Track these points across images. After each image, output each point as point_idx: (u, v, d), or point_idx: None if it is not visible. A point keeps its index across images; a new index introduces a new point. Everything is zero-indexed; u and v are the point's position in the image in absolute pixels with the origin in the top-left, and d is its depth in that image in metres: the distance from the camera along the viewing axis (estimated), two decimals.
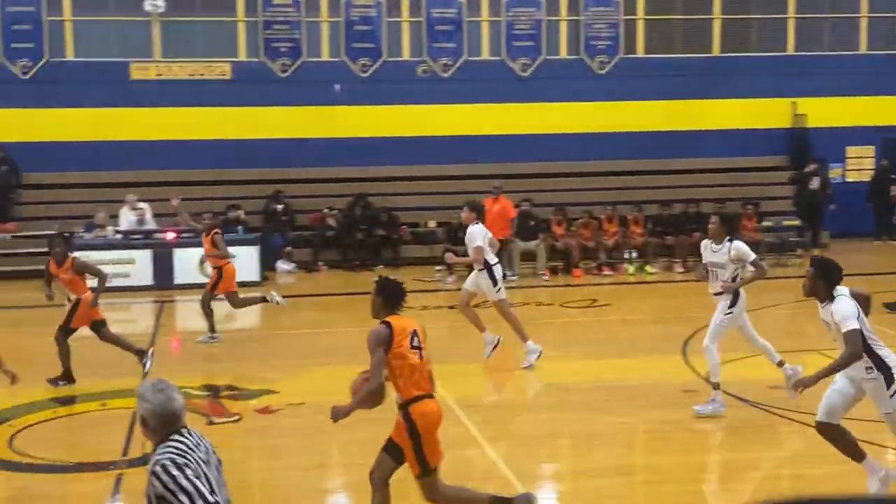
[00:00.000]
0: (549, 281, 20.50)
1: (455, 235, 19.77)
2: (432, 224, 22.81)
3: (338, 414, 7.36)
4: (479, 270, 12.93)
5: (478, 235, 12.80)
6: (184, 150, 22.97)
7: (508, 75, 24.41)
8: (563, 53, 24.72)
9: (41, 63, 22.71)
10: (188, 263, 19.67)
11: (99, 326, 12.90)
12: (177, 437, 5.28)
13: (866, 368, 8.02)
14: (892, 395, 8.01)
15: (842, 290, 8.09)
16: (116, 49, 23.22)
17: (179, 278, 19.72)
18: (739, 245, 10.86)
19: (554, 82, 24.23)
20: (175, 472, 5.09)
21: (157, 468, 5.13)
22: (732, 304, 10.78)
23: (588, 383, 12.28)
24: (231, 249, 15.50)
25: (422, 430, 7.32)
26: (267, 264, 20.80)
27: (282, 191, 22.57)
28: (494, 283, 12.88)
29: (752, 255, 10.89)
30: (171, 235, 19.96)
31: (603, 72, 24.67)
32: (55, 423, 11.19)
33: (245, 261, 19.61)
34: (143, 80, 23.10)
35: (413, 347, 7.40)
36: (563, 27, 24.65)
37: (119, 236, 20.18)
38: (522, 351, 13.07)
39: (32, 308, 18.54)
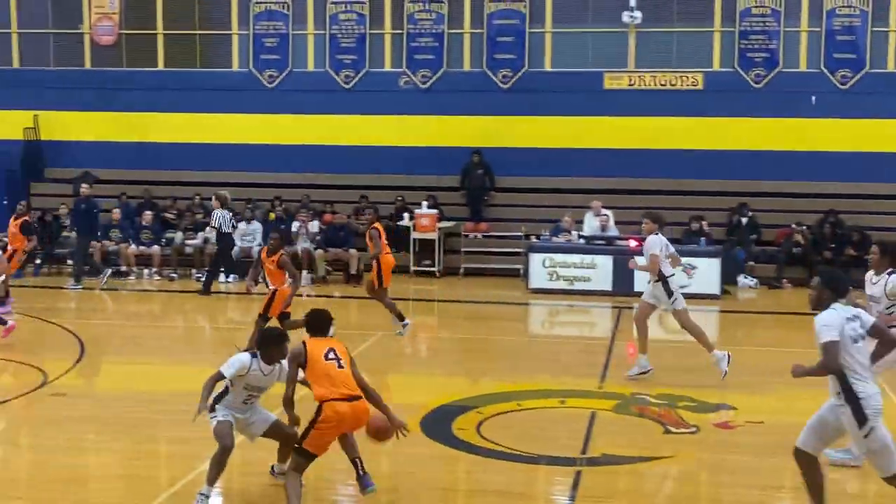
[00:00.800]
0: None
1: None
2: None
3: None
4: (655, 282, 12.97)
5: (655, 245, 12.94)
6: (643, 158, 23.12)
7: None
8: None
9: (520, 73, 23.80)
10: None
11: (283, 318, 13.58)
12: None
13: (836, 394, 7.34)
14: (865, 436, 7.18)
15: (839, 306, 7.46)
16: (591, 59, 23.81)
17: (639, 285, 19.76)
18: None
19: None
20: None
21: None
22: None
23: None
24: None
25: None
26: (728, 278, 20.37)
27: (746, 203, 22.05)
28: (670, 294, 12.89)
29: None
30: (632, 243, 20.11)
31: None
32: (518, 415, 11.58)
33: (705, 273, 19.42)
34: (615, 89, 23.52)
35: None
36: None
37: (582, 241, 20.67)
38: (710, 360, 12.90)
39: (497, 304, 19.58)
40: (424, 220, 21.71)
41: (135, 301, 17.19)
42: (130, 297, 16.84)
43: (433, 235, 21.81)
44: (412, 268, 21.84)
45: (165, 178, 24.25)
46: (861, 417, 7.19)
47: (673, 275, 13.15)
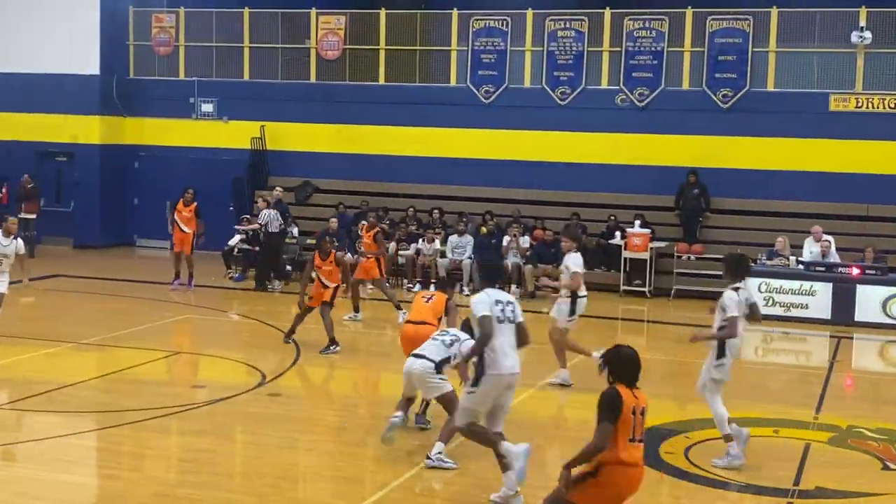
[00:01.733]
0: None
1: None
2: None
3: None
4: (566, 296, 13.31)
5: (578, 262, 13.39)
6: (869, 183, 22.16)
7: None
8: None
9: (741, 92, 23.24)
10: (870, 301, 18.90)
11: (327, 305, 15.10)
12: None
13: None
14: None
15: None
16: (817, 80, 23.01)
17: (860, 315, 19.00)
18: None
19: None
20: None
21: None
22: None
23: None
24: None
25: None
26: None
27: None
28: (571, 312, 13.35)
29: None
30: (855, 271, 19.32)
31: None
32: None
33: None
34: (841, 111, 22.64)
35: None
36: None
37: (800, 266, 19.96)
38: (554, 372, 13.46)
39: (708, 327, 19.11)
40: (637, 240, 21.46)
41: (348, 308, 17.63)
42: (345, 304, 17.30)
43: (645, 255, 21.53)
44: (622, 287, 21.60)
45: (380, 189, 24.86)
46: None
47: (584, 296, 13.44)
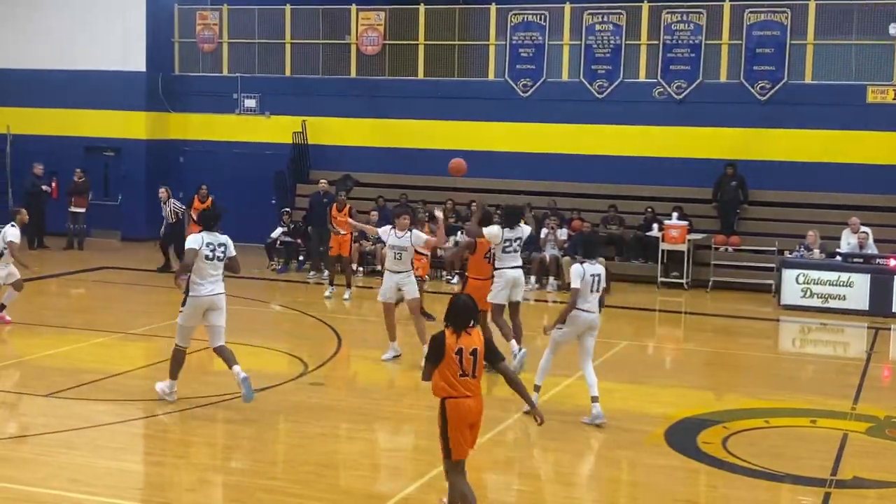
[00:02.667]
0: None
1: None
2: None
3: None
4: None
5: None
6: None
7: None
8: None
9: (779, 85, 23.23)
10: None
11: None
12: None
13: None
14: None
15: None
16: (854, 72, 22.96)
17: None
18: None
19: None
20: None
21: None
22: None
23: None
24: None
25: None
26: None
27: None
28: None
29: None
30: (893, 262, 19.32)
31: None
32: (765, 433, 11.42)
33: None
34: (879, 103, 22.59)
35: None
36: None
37: (838, 258, 19.97)
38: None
39: (746, 318, 19.20)
40: (674, 232, 21.53)
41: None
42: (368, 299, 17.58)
43: (683, 247, 21.60)
44: (659, 279, 21.70)
45: (419, 182, 25.09)
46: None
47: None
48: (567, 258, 21.21)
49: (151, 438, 10.93)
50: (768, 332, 18.67)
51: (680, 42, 23.73)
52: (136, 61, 26.67)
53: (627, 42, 24.15)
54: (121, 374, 13.20)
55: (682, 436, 10.97)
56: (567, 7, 24.58)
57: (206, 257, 11.29)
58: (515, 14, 24.92)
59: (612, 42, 24.21)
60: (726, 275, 21.82)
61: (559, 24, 24.69)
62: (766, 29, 23.29)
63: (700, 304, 20.52)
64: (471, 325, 7.78)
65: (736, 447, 10.59)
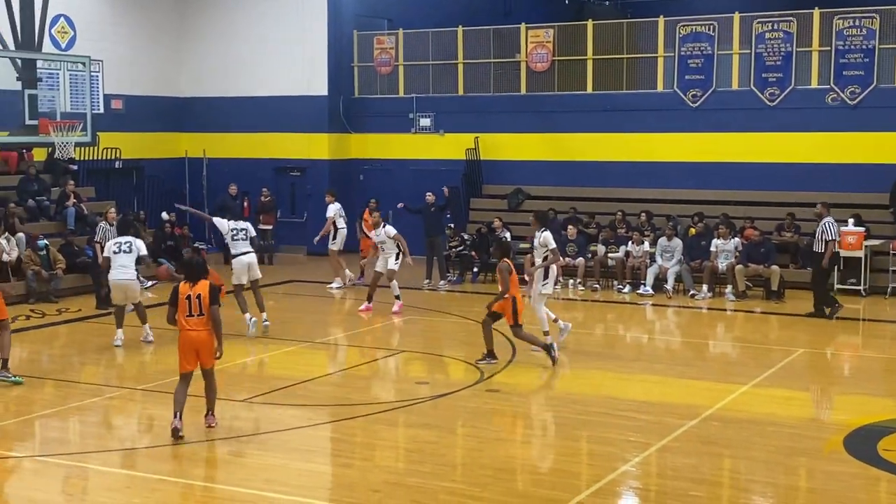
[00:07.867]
0: None
1: None
2: None
3: None
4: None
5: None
6: None
7: None
8: None
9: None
10: None
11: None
12: None
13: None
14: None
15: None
16: None
17: None
18: None
19: None
20: None
21: None
22: None
23: None
24: None
25: None
26: None
27: None
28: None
29: None
30: None
31: None
32: None
33: None
34: None
35: None
36: None
37: None
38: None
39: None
40: (851, 238, 21.23)
41: (559, 309, 18.23)
42: (553, 305, 17.91)
43: (860, 253, 21.28)
44: (836, 286, 21.42)
45: (589, 194, 25.43)
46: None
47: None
48: (740, 266, 21.20)
49: (339, 442, 11.50)
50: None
51: (853, 47, 23.38)
52: (319, 86, 27.93)
53: (798, 49, 23.96)
54: (309, 380, 13.99)
55: (862, 443, 10.90)
56: (736, 16, 24.54)
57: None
58: (684, 25, 25.02)
59: (782, 49, 24.04)
60: None
61: (728, 33, 24.66)
62: None
63: (879, 310, 20.14)
64: (201, 277, 11.09)
65: None
